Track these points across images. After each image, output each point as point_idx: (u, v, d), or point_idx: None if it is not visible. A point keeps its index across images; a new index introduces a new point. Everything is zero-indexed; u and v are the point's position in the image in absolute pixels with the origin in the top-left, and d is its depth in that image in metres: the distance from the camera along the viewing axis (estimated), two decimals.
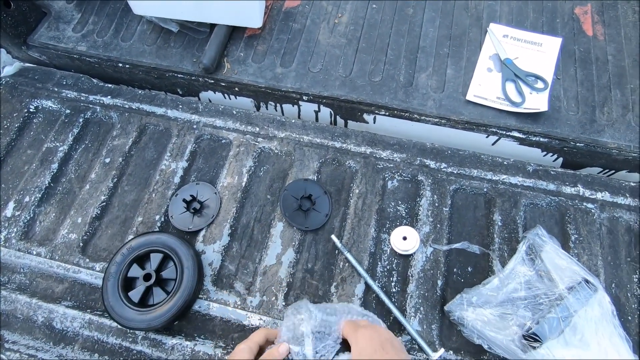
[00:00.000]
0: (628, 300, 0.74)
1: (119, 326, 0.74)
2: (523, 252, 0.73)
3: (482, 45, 0.99)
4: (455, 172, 0.87)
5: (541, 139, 0.90)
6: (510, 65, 0.95)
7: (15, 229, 0.84)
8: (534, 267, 0.71)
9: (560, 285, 0.66)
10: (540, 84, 0.93)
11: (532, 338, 0.61)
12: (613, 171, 0.95)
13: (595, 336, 0.62)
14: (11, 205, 0.87)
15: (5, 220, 0.85)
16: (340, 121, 1.04)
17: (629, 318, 0.73)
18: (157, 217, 0.85)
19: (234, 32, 1.05)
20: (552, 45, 0.98)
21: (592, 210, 0.81)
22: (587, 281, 0.64)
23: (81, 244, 0.83)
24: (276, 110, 1.06)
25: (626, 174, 0.94)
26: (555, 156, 0.94)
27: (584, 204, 0.82)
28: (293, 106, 1.02)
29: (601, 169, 0.95)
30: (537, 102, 0.90)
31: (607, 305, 0.64)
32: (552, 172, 0.86)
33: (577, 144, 0.88)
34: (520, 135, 0.90)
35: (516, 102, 0.90)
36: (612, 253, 0.78)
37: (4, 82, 1.02)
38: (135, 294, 0.74)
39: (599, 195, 0.83)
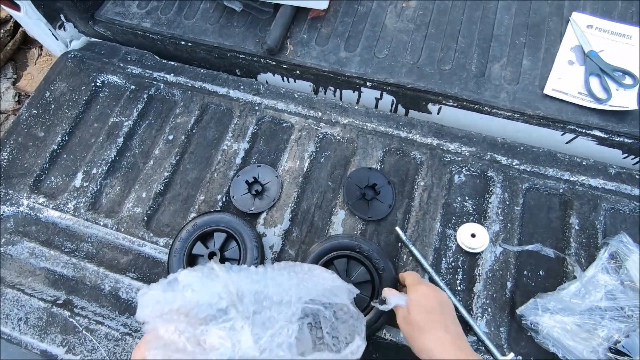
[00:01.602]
0: None
1: None
2: (605, 259, 0.69)
3: (562, 35, 0.93)
4: (528, 169, 0.82)
5: (625, 140, 0.83)
6: (595, 58, 0.88)
7: (83, 200, 0.87)
8: (618, 276, 0.67)
9: None
10: (628, 80, 0.85)
11: (619, 352, 0.57)
12: None
13: None
14: (79, 176, 0.90)
15: (74, 191, 0.88)
16: (401, 110, 1.01)
17: None
18: (219, 196, 0.85)
19: (297, 14, 1.02)
20: None
21: None
22: None
23: (145, 218, 0.84)
24: (334, 96, 1.04)
25: None
26: (638, 159, 0.88)
27: None
28: (354, 92, 1.00)
29: None
30: (624, 99, 0.83)
31: None
32: (637, 176, 0.80)
33: None
34: (602, 135, 0.84)
35: (600, 99, 0.84)
36: None
37: (72, 55, 1.05)
38: None
39: None
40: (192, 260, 0.76)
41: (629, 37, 0.90)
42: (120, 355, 0.73)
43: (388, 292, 0.63)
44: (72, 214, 0.86)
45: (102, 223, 0.85)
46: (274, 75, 1.05)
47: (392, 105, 1.00)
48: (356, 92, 1.00)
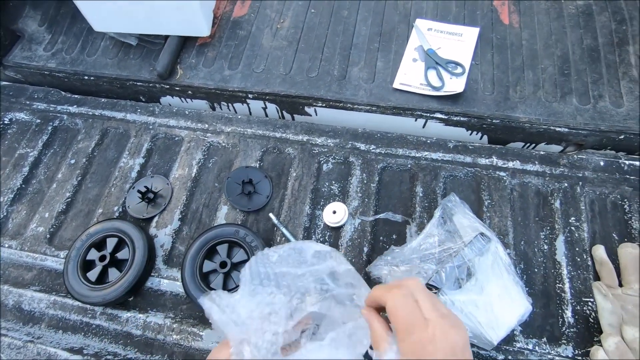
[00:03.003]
0: (535, 254, 0.82)
1: (80, 304, 0.83)
2: (438, 216, 0.82)
3: (408, 39, 1.10)
4: (383, 152, 0.96)
5: (462, 118, 0.99)
6: (432, 54, 1.05)
7: None
8: (445, 227, 0.79)
9: (463, 240, 0.74)
10: (459, 70, 1.02)
11: (432, 286, 0.69)
12: (534, 145, 1.03)
13: (488, 281, 0.70)
14: None
15: None
16: (287, 116, 1.14)
17: (535, 270, 0.80)
18: (116, 207, 0.94)
19: (187, 42, 1.16)
20: (471, 34, 1.08)
21: (504, 178, 0.90)
22: (482, 234, 0.73)
23: (48, 236, 0.92)
24: (229, 110, 1.16)
25: (545, 146, 1.02)
26: (480, 134, 1.03)
27: (497, 172, 0.90)
28: (242, 105, 1.13)
29: (523, 144, 1.03)
30: (455, 85, 1.00)
31: (501, 253, 0.72)
32: (470, 147, 0.95)
33: (494, 121, 0.97)
34: (443, 116, 0.99)
35: (437, 87, 1.00)
36: (522, 214, 0.86)
37: None
38: (93, 274, 0.83)
39: (510, 164, 0.91)
40: (86, 266, 0.84)
41: (460, 35, 1.08)
42: None
43: (376, 333, 0.45)
44: None
45: (7, 245, 0.92)
46: (172, 97, 1.17)
47: (278, 113, 1.13)
48: (245, 104, 1.13)
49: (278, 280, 0.54)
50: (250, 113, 1.16)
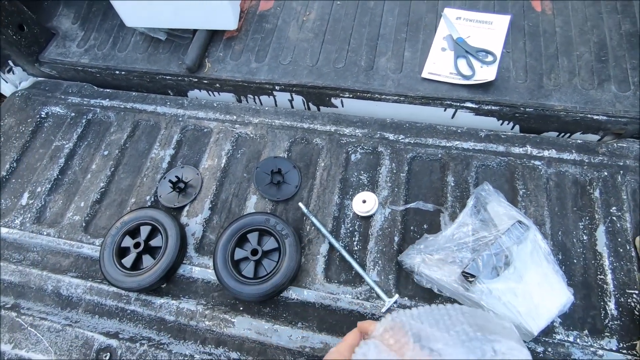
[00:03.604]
0: (574, 245, 0.79)
1: (115, 289, 0.85)
2: (471, 205, 0.80)
3: (437, 28, 1.08)
4: (412, 142, 0.95)
5: (493, 107, 0.97)
6: (462, 43, 1.03)
7: (29, 215, 0.98)
8: (479, 216, 0.78)
9: (499, 229, 0.73)
10: (490, 58, 1.00)
11: (468, 274, 0.68)
12: (569, 134, 1.00)
13: (527, 269, 0.68)
14: (26, 195, 1.00)
15: (20, 208, 0.99)
16: (313, 108, 1.14)
17: (574, 261, 0.78)
18: (148, 197, 0.96)
19: (215, 36, 1.17)
20: (501, 22, 1.05)
21: (539, 167, 0.87)
22: (520, 222, 0.71)
23: (84, 224, 0.95)
24: (255, 103, 1.17)
25: (581, 135, 0.99)
26: (512, 124, 1.01)
27: (532, 161, 0.88)
28: (269, 97, 1.13)
29: (557, 133, 1.00)
30: (486, 73, 0.98)
31: (540, 242, 0.70)
32: (502, 136, 0.93)
33: (527, 109, 0.94)
34: (473, 105, 0.97)
35: (467, 76, 0.98)
36: (559, 204, 0.83)
37: (19, 94, 1.18)
38: (128, 261, 0.85)
39: (545, 153, 0.89)
40: (121, 253, 0.86)
41: (490, 24, 1.06)
42: (62, 345, 0.81)
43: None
44: (18, 228, 0.96)
45: (45, 233, 0.95)
46: (200, 91, 1.18)
47: (304, 105, 1.14)
48: (271, 97, 1.13)
49: None
50: (277, 105, 1.16)
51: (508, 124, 1.01)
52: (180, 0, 1.05)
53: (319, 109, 1.14)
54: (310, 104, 1.13)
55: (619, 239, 0.78)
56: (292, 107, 1.15)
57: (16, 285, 0.89)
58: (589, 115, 0.92)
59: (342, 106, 1.10)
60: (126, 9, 1.11)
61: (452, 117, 1.03)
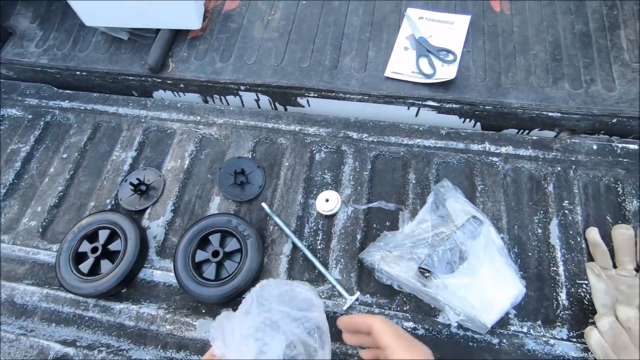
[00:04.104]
0: (529, 238, 0.81)
1: (73, 296, 0.83)
2: (431, 202, 0.81)
3: (400, 28, 1.09)
4: (375, 140, 0.96)
5: (454, 106, 0.98)
6: (424, 42, 1.04)
7: None
8: (438, 213, 0.79)
9: (455, 224, 0.74)
10: (450, 57, 1.02)
11: (424, 269, 0.69)
12: (527, 131, 1.03)
13: (481, 264, 0.69)
14: None
15: None
16: (280, 108, 1.14)
17: (529, 254, 0.80)
18: (108, 200, 0.94)
19: (179, 35, 1.16)
20: (462, 22, 1.07)
21: (497, 163, 0.89)
22: (474, 217, 0.72)
23: (40, 230, 0.92)
24: (222, 103, 1.16)
25: (539, 132, 1.02)
26: (473, 122, 1.03)
27: (490, 158, 0.90)
28: (235, 97, 1.12)
29: (516, 130, 1.03)
30: (447, 72, 0.99)
31: (493, 236, 0.72)
32: (462, 133, 0.95)
33: (486, 107, 0.97)
34: (435, 104, 0.99)
35: (428, 74, 0.99)
36: (515, 199, 0.86)
37: None
38: (85, 266, 0.82)
39: (503, 150, 0.91)
40: (79, 258, 0.84)
41: (451, 23, 1.08)
42: (15, 355, 0.78)
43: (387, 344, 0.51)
44: None
45: None
46: (165, 91, 1.16)
47: (270, 105, 1.13)
48: (237, 97, 1.12)
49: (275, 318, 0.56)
50: (243, 106, 1.15)
51: (470, 121, 1.03)
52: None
53: (285, 109, 1.14)
54: (276, 104, 1.13)
55: (571, 232, 0.81)
56: (259, 107, 1.15)
57: None
58: (545, 113, 0.95)
59: (309, 105, 1.10)
60: (85, 9, 1.08)
61: (416, 115, 1.05)
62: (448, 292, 0.68)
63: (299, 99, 1.08)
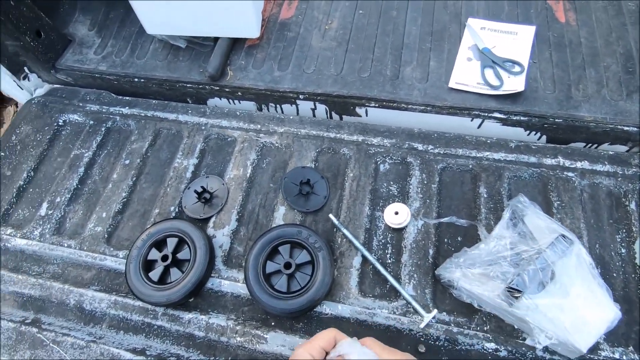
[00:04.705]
0: (612, 258, 0.78)
1: (141, 303, 0.82)
2: (507, 218, 0.79)
3: (461, 38, 1.08)
4: (441, 152, 0.94)
5: (522, 118, 0.96)
6: (488, 53, 1.02)
7: (48, 226, 0.95)
8: (517, 229, 0.77)
9: (540, 242, 0.71)
10: (517, 68, 1.00)
11: (514, 289, 0.66)
12: (596, 145, 0.99)
13: (573, 284, 0.66)
14: (45, 205, 0.98)
15: (39, 219, 0.96)
16: (335, 117, 1.13)
17: (614, 275, 0.77)
18: (172, 208, 0.94)
19: (236, 44, 1.16)
20: (527, 33, 1.05)
21: (573, 178, 0.86)
22: (564, 236, 0.69)
23: (106, 235, 0.92)
24: (276, 111, 1.16)
25: (608, 146, 0.98)
26: (539, 134, 1.00)
27: (565, 173, 0.87)
28: (291, 106, 1.12)
29: (585, 144, 1.00)
30: (514, 84, 0.97)
31: (584, 256, 0.69)
32: (533, 147, 0.92)
33: (556, 120, 0.94)
34: (502, 116, 0.97)
35: (495, 86, 0.97)
36: (594, 216, 0.83)
37: (35, 101, 1.16)
38: (155, 274, 0.82)
39: (578, 165, 0.88)
40: (148, 266, 0.84)
41: (515, 34, 1.06)
42: None
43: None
44: (38, 239, 0.93)
45: (66, 245, 0.92)
46: (220, 99, 1.17)
47: (327, 114, 1.12)
48: (294, 106, 1.12)
49: None
50: (298, 114, 1.15)
51: (535, 134, 1.00)
52: (203, 8, 1.04)
53: (341, 118, 1.13)
54: (333, 113, 1.12)
55: None
56: (315, 115, 1.14)
57: (36, 300, 0.86)
58: (620, 127, 0.91)
59: (366, 115, 1.09)
60: (148, 16, 1.09)
61: (479, 127, 1.02)
62: (538, 313, 0.66)
63: (357, 109, 1.07)
